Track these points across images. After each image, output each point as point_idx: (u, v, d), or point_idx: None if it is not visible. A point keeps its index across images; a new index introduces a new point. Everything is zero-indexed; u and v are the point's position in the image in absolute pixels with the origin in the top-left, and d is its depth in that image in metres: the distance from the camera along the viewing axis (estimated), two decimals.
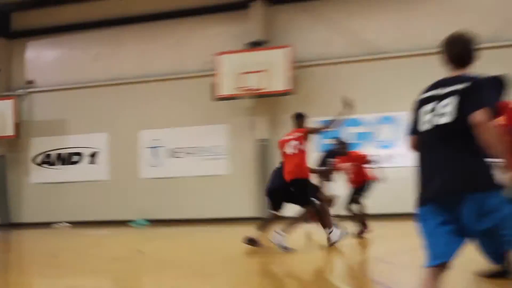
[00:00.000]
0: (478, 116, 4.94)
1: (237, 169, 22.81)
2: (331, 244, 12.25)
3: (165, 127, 23.54)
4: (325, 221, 12.72)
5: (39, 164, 25.54)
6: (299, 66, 21.50)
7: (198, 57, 23.11)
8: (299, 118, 13.08)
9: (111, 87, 24.29)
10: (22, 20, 26.10)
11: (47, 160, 25.52)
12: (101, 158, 24.58)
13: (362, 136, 21.18)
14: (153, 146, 23.66)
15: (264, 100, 21.84)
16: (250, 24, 22.51)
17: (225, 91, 21.86)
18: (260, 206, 21.68)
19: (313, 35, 22.24)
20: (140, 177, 23.78)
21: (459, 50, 5.55)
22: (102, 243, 17.14)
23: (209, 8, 23.33)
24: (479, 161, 5.09)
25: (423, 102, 5.57)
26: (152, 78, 23.44)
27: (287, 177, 12.40)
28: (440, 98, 5.37)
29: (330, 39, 22.04)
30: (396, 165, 19.65)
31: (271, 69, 21.29)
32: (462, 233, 5.24)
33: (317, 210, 12.96)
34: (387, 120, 21.09)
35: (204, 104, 22.63)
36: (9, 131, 24.92)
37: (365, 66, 21.66)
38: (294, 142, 12.47)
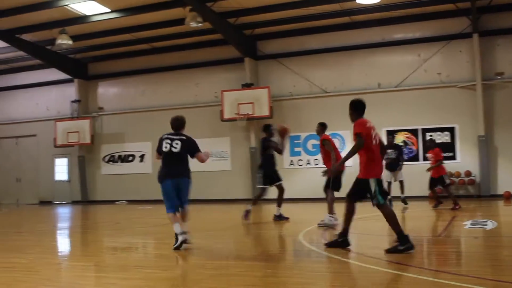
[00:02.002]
0: None
1: (236, 167, 23.41)
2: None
3: None
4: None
5: (106, 162, 26.03)
6: (275, 100, 22.25)
7: (210, 93, 23.76)
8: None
9: (152, 112, 24.68)
10: (95, 67, 26.65)
11: (112, 159, 25.96)
12: (146, 158, 24.98)
13: (318, 146, 21.59)
14: None
15: (253, 121, 22.43)
16: (244, 72, 22.97)
17: (228, 115, 22.49)
18: (252, 191, 22.67)
19: (284, 80, 22.79)
20: None
21: None
22: (147, 215, 17.33)
23: (218, 61, 23.84)
24: None
25: None
26: (179, 107, 23.51)
27: None
28: None
29: (295, 83, 22.64)
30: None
31: (257, 101, 21.96)
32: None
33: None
34: (334, 135, 21.37)
35: (214, 123, 23.26)
36: (87, 140, 25.48)
37: (318, 100, 22.19)
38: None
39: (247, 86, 22.77)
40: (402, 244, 7.24)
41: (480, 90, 19.99)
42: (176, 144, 8.72)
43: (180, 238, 8.17)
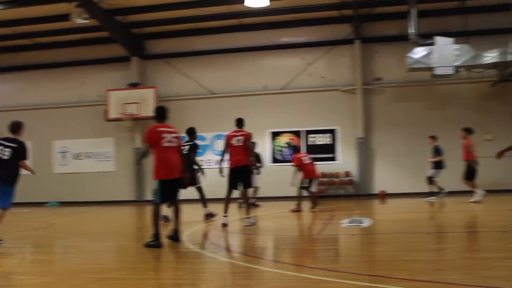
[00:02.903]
0: None
1: (120, 168, 22.96)
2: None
3: (72, 139, 23.29)
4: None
5: None
6: (161, 100, 21.71)
7: (95, 92, 23.10)
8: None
9: (33, 111, 23.30)
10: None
11: None
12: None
13: (204, 147, 21.60)
14: (63, 151, 23.44)
15: (139, 122, 22.09)
16: (130, 71, 22.72)
17: (113, 115, 22.06)
18: (136, 193, 22.54)
19: (172, 80, 22.73)
20: (54, 172, 23.39)
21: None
22: (24, 218, 16.18)
23: (104, 60, 23.34)
24: None
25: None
26: (62, 105, 23.24)
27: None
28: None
29: (183, 83, 22.63)
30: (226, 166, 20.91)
31: (143, 102, 21.68)
32: None
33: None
34: (220, 136, 21.37)
35: (98, 123, 22.69)
36: None
37: (205, 101, 22.31)
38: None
39: (133, 85, 22.44)
40: (153, 241, 8.10)
41: (360, 94, 20.96)
42: (7, 152, 9.07)
43: None
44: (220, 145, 21.69)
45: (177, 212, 8.61)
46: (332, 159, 21.29)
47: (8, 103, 24.28)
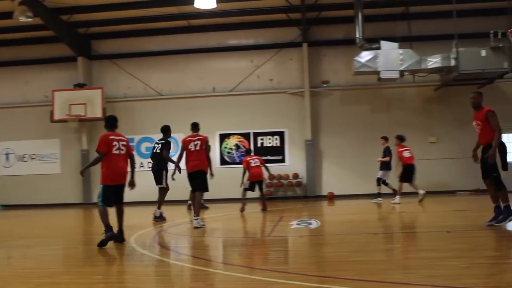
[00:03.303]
0: None
1: (66, 170, 22.37)
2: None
3: (16, 140, 22.65)
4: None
5: None
6: (108, 101, 21.76)
7: (40, 92, 22.64)
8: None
9: None
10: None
11: None
12: None
13: (152, 149, 21.55)
14: (6, 153, 22.84)
15: (85, 123, 21.82)
16: (76, 71, 22.27)
17: (58, 116, 21.59)
18: (83, 195, 22.13)
19: (119, 81, 22.46)
20: None
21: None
22: None
23: (49, 59, 22.77)
24: None
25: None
26: (5, 106, 22.70)
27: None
28: None
29: (130, 84, 22.38)
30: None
31: (90, 102, 21.35)
32: None
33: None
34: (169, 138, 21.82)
35: (43, 124, 22.17)
36: None
37: (153, 103, 22.11)
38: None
39: (79, 86, 22.05)
40: (106, 234, 8.44)
41: (308, 97, 21.19)
42: None
43: None
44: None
45: (119, 214, 9.06)
46: (281, 161, 21.45)
47: None
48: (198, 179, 11.07)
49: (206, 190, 11.31)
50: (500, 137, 8.91)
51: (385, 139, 17.39)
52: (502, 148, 9.05)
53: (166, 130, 13.22)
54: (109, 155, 8.70)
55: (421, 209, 14.40)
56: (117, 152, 8.78)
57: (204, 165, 11.14)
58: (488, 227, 9.09)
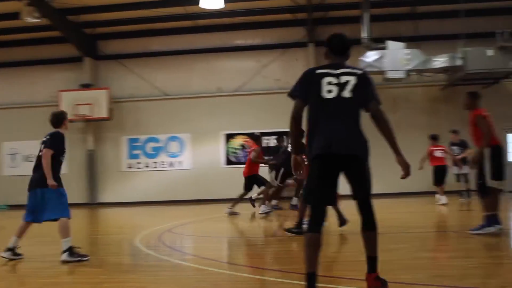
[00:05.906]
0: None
1: (72, 170, 21.60)
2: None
3: (22, 140, 22.45)
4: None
5: None
6: (115, 101, 21.66)
7: (47, 93, 22.48)
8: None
9: None
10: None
11: None
12: None
13: (157, 149, 21.73)
14: (12, 153, 22.93)
15: (91, 123, 21.80)
16: (83, 72, 22.26)
17: None
18: (88, 195, 22.15)
19: (126, 81, 22.33)
20: (2, 174, 22.89)
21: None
22: None
23: (56, 60, 22.73)
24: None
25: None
26: (11, 106, 22.61)
27: None
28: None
29: (136, 84, 22.24)
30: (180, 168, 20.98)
31: (96, 103, 21.23)
32: None
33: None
34: (174, 138, 21.70)
35: (49, 125, 22.31)
36: None
37: (159, 103, 22.02)
38: None
39: (86, 86, 22.00)
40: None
41: None
42: None
43: None
44: (174, 147, 21.88)
45: None
46: None
47: None
48: None
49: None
50: (487, 143, 8.13)
51: (454, 132, 16.46)
52: (495, 154, 8.26)
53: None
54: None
55: (428, 208, 14.31)
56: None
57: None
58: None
